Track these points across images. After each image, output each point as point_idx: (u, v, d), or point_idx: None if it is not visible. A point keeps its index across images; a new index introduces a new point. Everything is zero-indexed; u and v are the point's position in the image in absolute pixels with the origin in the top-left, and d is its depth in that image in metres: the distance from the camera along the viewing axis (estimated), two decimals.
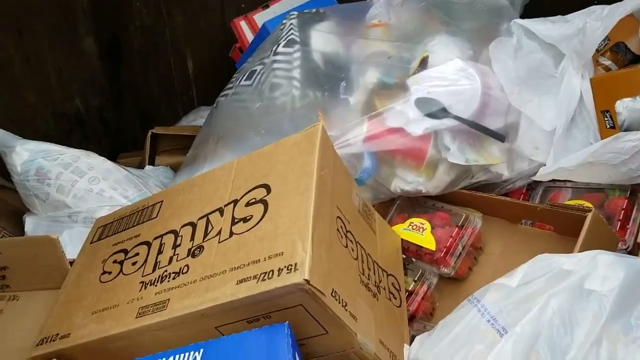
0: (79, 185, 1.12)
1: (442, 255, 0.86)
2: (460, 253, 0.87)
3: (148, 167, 1.39)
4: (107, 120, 1.67)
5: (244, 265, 0.63)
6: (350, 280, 0.69)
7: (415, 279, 0.87)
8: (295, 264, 0.59)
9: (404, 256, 0.90)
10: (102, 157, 1.20)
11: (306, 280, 0.57)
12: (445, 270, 0.87)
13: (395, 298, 0.80)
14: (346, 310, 0.64)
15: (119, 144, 1.69)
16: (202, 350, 0.60)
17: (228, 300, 0.61)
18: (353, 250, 0.72)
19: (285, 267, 0.59)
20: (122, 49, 1.58)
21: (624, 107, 0.81)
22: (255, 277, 0.61)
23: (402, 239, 0.90)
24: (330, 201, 0.69)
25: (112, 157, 1.48)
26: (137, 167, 1.41)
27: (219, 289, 0.63)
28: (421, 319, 0.86)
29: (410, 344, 0.77)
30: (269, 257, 0.62)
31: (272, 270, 0.60)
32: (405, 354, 0.75)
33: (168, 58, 1.65)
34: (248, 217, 0.69)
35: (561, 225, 0.83)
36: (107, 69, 1.59)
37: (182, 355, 0.61)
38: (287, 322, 0.60)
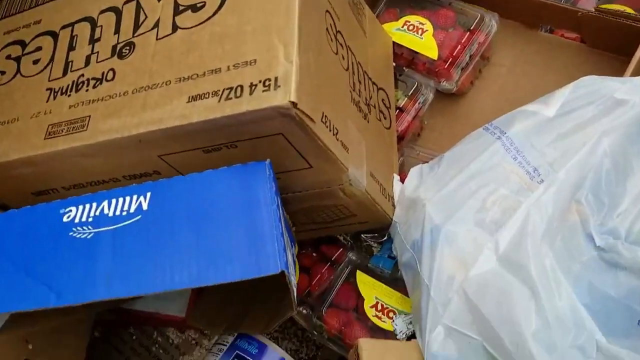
0: None
1: (445, 66, 0.69)
2: (467, 64, 0.70)
3: None
4: None
5: (198, 75, 0.44)
6: (340, 99, 0.51)
7: (408, 93, 0.70)
8: (276, 79, 0.40)
9: (394, 64, 0.72)
10: None
11: (292, 102, 0.39)
12: (447, 85, 0.70)
13: (385, 118, 0.64)
14: (337, 139, 0.47)
15: None
16: (149, 194, 0.44)
17: (176, 124, 0.43)
18: (344, 58, 0.53)
19: (260, 82, 0.41)
20: None
21: None
22: (215, 93, 0.42)
23: (394, 43, 0.71)
24: None
25: None
26: None
27: (163, 107, 0.44)
28: (410, 140, 0.72)
29: (399, 172, 0.64)
30: (234, 65, 0.43)
31: (241, 86, 0.41)
32: (395, 185, 0.62)
33: None
34: (199, 4, 0.48)
35: (596, 35, 0.66)
36: None
37: (121, 200, 0.44)
38: (268, 160, 0.44)
